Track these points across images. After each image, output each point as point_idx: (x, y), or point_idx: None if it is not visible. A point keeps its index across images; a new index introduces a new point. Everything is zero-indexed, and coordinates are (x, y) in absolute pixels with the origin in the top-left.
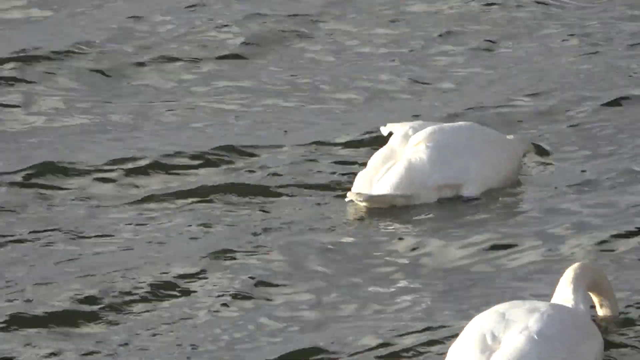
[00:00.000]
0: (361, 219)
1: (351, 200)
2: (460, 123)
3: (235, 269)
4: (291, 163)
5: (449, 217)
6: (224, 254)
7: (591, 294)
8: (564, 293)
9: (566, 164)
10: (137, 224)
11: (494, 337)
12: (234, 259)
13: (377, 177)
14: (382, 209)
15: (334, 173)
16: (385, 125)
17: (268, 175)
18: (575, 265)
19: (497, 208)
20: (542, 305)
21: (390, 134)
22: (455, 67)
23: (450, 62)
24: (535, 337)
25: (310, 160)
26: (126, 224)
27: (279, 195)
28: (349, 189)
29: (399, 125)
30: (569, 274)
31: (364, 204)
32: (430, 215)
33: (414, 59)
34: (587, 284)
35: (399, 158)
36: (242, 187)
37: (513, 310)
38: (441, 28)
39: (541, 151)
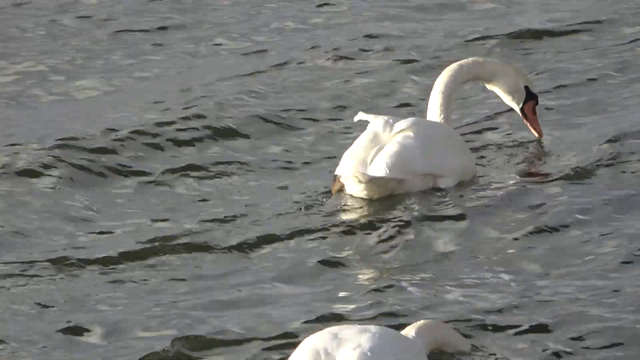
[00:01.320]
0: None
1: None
2: (429, 119)
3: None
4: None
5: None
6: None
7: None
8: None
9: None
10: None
11: (328, 354)
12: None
13: (370, 159)
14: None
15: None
16: (358, 115)
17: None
18: (422, 321)
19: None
20: (373, 327)
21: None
22: None
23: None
24: (368, 353)
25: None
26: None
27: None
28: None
29: (372, 116)
30: (413, 326)
31: (361, 186)
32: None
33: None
34: (429, 340)
35: (386, 142)
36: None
37: (345, 331)
38: None
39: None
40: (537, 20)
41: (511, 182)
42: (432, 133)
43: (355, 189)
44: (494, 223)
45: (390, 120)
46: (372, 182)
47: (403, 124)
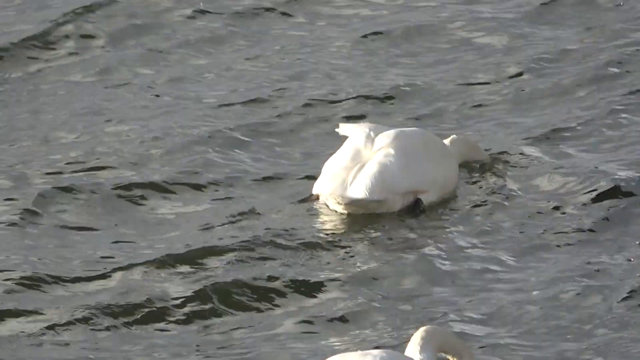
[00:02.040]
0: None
1: (317, 199)
2: (413, 129)
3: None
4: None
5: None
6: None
7: (446, 355)
8: (412, 353)
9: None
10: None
11: None
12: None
13: (350, 179)
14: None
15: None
16: (339, 128)
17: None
18: (423, 328)
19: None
20: (377, 352)
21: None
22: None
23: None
24: None
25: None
26: None
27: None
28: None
29: (354, 126)
30: (416, 337)
31: (341, 206)
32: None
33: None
34: (436, 346)
35: (366, 160)
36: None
37: (348, 356)
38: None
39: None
40: None
41: (491, 195)
42: (413, 147)
43: (335, 208)
44: (478, 239)
45: (372, 133)
46: (352, 203)
47: (384, 138)
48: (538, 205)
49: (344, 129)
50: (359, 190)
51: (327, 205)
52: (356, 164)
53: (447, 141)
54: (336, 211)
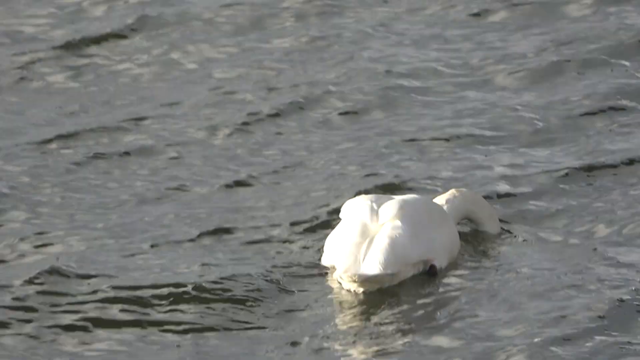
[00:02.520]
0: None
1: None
2: (413, 196)
3: None
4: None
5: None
6: None
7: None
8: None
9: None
10: None
11: None
12: None
13: (362, 256)
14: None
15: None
16: (342, 211)
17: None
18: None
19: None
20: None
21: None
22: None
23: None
24: None
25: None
26: None
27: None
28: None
29: (355, 200)
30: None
31: (355, 284)
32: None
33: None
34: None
35: (374, 233)
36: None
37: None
38: None
39: None
40: None
41: (495, 252)
42: (418, 216)
43: (349, 286)
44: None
45: (375, 205)
46: (367, 280)
47: (388, 210)
48: (548, 253)
49: (346, 208)
50: (373, 266)
51: (340, 283)
52: (365, 238)
53: (444, 196)
54: (350, 290)
